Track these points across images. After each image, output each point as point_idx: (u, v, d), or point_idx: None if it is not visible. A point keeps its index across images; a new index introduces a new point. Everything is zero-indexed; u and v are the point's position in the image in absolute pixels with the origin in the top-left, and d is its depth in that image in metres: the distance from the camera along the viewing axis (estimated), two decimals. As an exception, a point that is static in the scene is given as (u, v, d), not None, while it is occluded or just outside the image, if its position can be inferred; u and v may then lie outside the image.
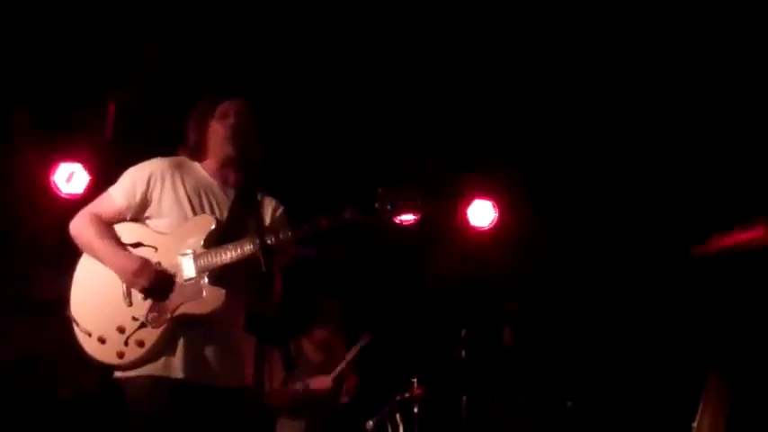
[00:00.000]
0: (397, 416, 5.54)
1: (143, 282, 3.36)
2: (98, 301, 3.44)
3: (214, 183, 3.58)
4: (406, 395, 5.53)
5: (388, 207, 3.44)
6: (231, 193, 3.58)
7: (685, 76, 6.02)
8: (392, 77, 6.23)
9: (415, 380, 5.53)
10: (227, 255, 3.38)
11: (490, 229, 7.27)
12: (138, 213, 3.52)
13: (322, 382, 5.62)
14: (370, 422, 5.50)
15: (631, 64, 6.00)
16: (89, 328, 3.41)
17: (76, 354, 3.71)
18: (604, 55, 5.95)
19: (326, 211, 3.43)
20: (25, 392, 6.30)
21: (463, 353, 5.88)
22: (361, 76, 6.21)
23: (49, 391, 6.38)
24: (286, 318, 5.61)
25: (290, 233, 3.39)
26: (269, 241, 3.30)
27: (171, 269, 3.41)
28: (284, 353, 5.75)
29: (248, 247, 3.33)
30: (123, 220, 3.53)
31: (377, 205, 3.43)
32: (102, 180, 6.18)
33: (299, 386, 5.59)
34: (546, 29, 5.79)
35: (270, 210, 3.65)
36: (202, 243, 3.41)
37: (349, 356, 5.69)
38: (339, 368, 5.68)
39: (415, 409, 5.53)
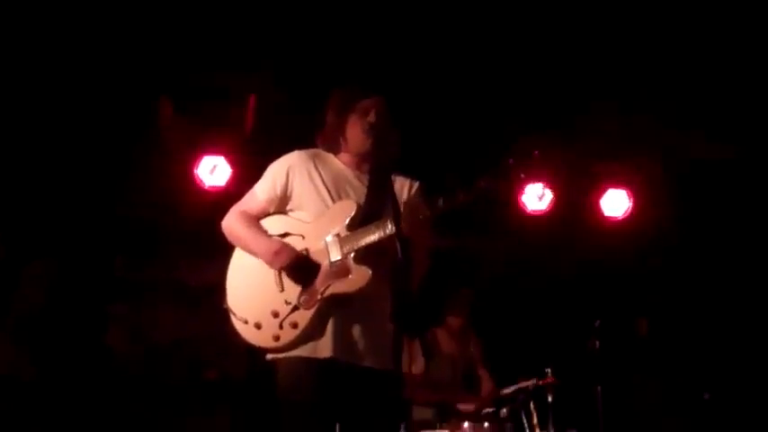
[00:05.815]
0: (531, 404, 5.56)
1: (282, 260, 3.52)
2: (252, 290, 3.62)
3: (349, 171, 3.69)
4: (540, 383, 5.55)
5: (522, 176, 3.49)
6: (366, 179, 3.68)
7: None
8: (530, 65, 6.22)
9: (550, 369, 5.53)
10: (371, 235, 3.47)
11: (624, 218, 7.18)
12: (281, 206, 3.68)
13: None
14: (504, 410, 5.53)
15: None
16: (245, 316, 3.58)
17: (222, 337, 3.89)
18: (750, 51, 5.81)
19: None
20: (174, 374, 6.59)
21: (597, 343, 5.85)
22: (498, 69, 6.22)
23: (195, 373, 6.66)
24: (424, 306, 5.74)
25: (428, 212, 3.46)
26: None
27: (318, 254, 3.55)
28: (423, 341, 5.85)
29: (390, 227, 3.40)
30: (268, 214, 3.69)
31: (510, 175, 3.47)
32: (243, 173, 6.42)
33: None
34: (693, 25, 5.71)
35: (406, 189, 3.72)
36: (346, 226, 3.54)
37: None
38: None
39: (549, 398, 5.53)
